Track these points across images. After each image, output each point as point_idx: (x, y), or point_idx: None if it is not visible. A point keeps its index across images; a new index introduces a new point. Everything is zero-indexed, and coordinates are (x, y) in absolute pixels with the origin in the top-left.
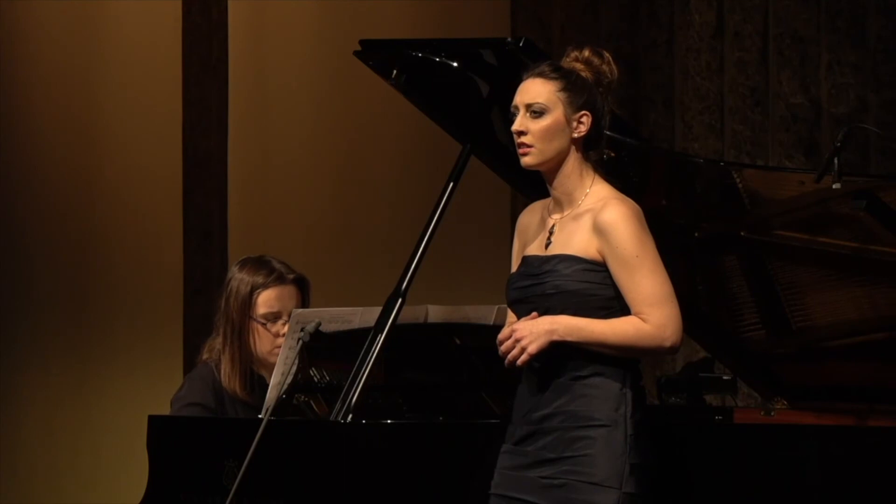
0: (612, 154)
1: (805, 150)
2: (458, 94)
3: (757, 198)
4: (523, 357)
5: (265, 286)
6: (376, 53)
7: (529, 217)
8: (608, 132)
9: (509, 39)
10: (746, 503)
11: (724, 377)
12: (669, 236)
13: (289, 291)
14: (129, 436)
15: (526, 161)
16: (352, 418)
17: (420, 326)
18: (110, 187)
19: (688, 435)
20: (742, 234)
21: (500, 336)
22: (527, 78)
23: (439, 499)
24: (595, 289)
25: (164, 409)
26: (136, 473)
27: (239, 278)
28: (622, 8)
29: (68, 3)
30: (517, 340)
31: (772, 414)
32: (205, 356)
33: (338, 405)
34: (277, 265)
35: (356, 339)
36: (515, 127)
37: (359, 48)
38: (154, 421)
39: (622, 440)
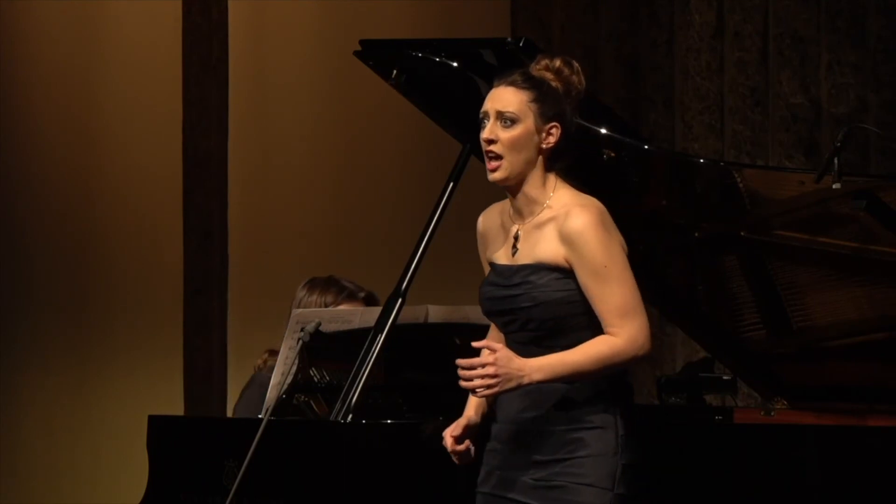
0: (613, 154)
1: (805, 150)
2: (458, 94)
3: (757, 198)
4: (485, 392)
5: (336, 304)
6: (376, 53)
7: (488, 220)
8: (609, 132)
9: (509, 39)
10: (746, 503)
11: (724, 377)
12: (669, 236)
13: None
14: (129, 436)
15: (495, 176)
16: (352, 418)
17: (420, 326)
18: (110, 187)
19: (688, 435)
20: (742, 234)
21: (473, 361)
22: (498, 85)
23: (439, 499)
24: (574, 295)
25: (164, 410)
26: (136, 473)
27: (308, 301)
28: (622, 8)
29: (68, 3)
30: (492, 376)
31: (772, 414)
32: (259, 363)
33: (338, 405)
34: (347, 284)
35: (356, 339)
36: (485, 135)
37: (359, 48)
38: (154, 421)
39: (614, 441)
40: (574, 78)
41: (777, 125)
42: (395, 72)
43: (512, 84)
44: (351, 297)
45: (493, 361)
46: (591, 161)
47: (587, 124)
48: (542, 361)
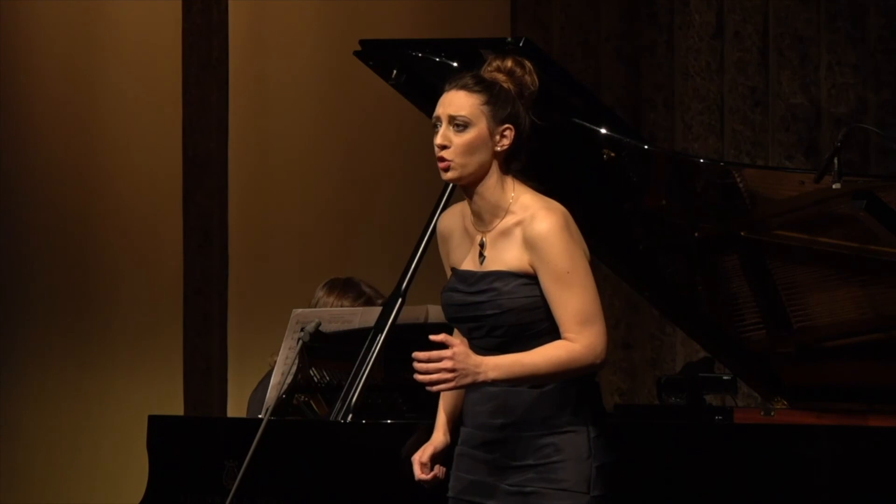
0: (613, 154)
1: (805, 150)
2: None
3: (757, 198)
4: (441, 387)
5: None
6: (376, 53)
7: (450, 222)
8: (609, 132)
9: (509, 39)
10: (746, 503)
11: (724, 377)
12: (669, 236)
13: None
14: (129, 436)
15: (447, 176)
16: (352, 418)
17: (420, 326)
18: (110, 187)
19: (688, 435)
20: (742, 234)
21: (431, 354)
22: (449, 89)
23: (439, 499)
24: (539, 301)
25: (164, 410)
26: (136, 473)
27: (326, 302)
28: (622, 8)
29: (68, 3)
30: (449, 370)
31: (772, 414)
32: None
33: (338, 405)
34: (366, 288)
35: (356, 339)
36: (438, 141)
37: (359, 48)
38: (154, 421)
39: (586, 444)
40: (527, 78)
41: (777, 125)
42: (395, 72)
43: (463, 88)
44: (369, 303)
45: (451, 356)
46: (591, 161)
47: (587, 124)
48: (499, 360)
